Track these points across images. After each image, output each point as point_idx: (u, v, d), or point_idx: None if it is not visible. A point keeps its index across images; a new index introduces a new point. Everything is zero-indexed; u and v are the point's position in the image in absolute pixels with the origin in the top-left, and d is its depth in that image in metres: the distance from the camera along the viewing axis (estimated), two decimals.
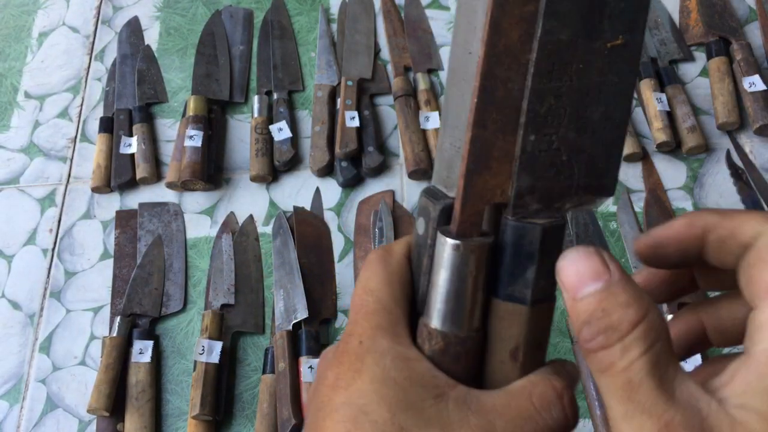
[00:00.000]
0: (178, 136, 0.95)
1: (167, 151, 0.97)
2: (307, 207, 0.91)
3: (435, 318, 0.30)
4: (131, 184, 0.94)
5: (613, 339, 0.24)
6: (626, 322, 0.24)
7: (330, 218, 0.90)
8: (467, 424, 0.26)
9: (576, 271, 0.25)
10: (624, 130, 0.28)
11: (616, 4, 0.26)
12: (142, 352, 0.80)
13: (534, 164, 0.28)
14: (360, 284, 0.31)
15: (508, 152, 0.28)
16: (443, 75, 1.00)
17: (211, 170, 0.93)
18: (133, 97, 1.00)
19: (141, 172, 0.93)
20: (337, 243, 0.88)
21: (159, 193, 0.94)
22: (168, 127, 0.99)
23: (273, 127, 0.95)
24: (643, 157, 0.90)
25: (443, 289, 0.29)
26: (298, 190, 0.93)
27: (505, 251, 0.29)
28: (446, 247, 0.29)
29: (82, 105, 1.03)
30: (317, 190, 0.92)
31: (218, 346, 0.79)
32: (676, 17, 1.02)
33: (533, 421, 0.27)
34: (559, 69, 0.26)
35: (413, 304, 0.31)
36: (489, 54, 0.27)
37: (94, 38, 1.10)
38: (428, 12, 1.06)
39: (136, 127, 0.97)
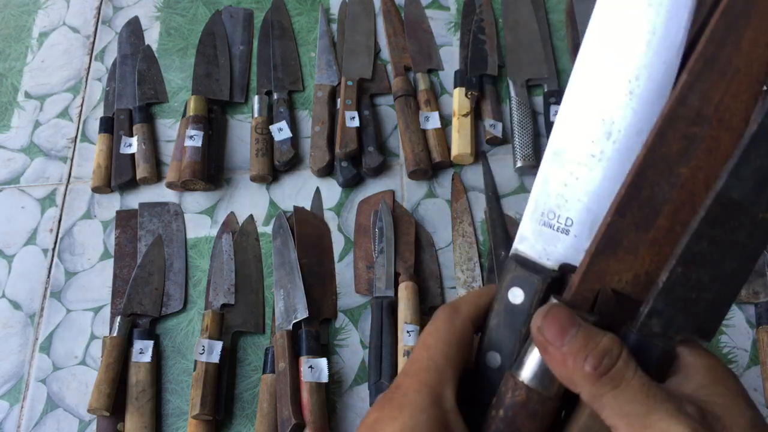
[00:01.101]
0: (179, 136, 0.96)
1: (167, 151, 0.97)
2: (307, 207, 0.91)
3: (526, 372, 0.32)
4: (131, 184, 0.94)
5: (614, 357, 0.29)
6: (615, 345, 0.29)
7: (330, 218, 0.90)
8: None
9: (556, 326, 0.30)
10: (739, 290, 0.31)
11: None
12: (142, 351, 0.80)
13: (671, 293, 0.30)
14: (421, 338, 0.34)
15: (637, 246, 0.31)
16: (443, 75, 1.00)
17: (211, 170, 0.93)
18: (133, 97, 1.00)
19: (141, 172, 0.93)
20: (337, 243, 0.88)
21: (159, 193, 0.94)
22: (168, 127, 0.99)
23: (273, 127, 0.95)
24: None
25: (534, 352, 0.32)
26: (298, 190, 0.93)
27: None
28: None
29: (82, 105, 1.03)
30: (317, 190, 0.92)
31: (218, 345, 0.79)
32: None
33: None
34: (721, 221, 0.30)
35: (475, 369, 0.34)
36: (648, 157, 0.30)
37: (95, 38, 1.10)
38: (428, 12, 1.06)
39: (136, 127, 0.97)
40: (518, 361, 0.32)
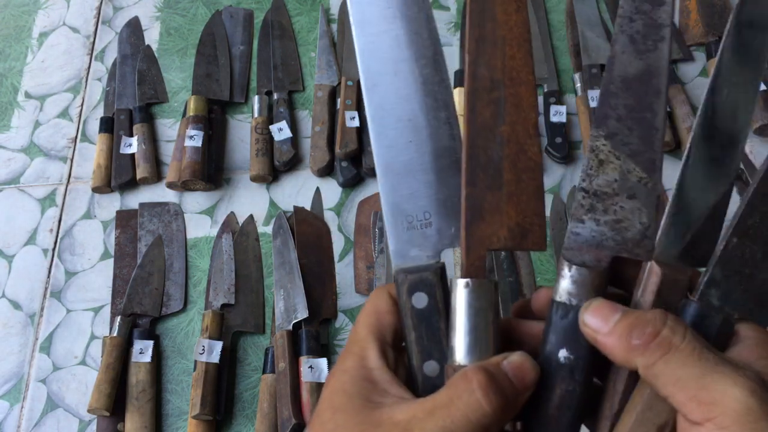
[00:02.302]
0: (179, 136, 0.95)
1: (167, 151, 0.97)
2: (307, 207, 0.91)
3: (458, 354, 0.33)
4: (131, 184, 0.94)
5: (659, 325, 0.30)
6: (658, 315, 0.30)
7: (330, 218, 0.90)
8: (390, 423, 0.31)
9: (599, 316, 0.31)
10: None
11: None
12: (142, 351, 0.80)
13: (728, 264, 0.32)
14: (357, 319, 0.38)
15: (498, 205, 0.35)
16: None
17: (211, 170, 0.93)
18: (133, 97, 1.00)
19: (141, 172, 0.93)
20: (337, 243, 0.88)
21: (159, 193, 0.94)
22: (168, 127, 0.99)
23: (273, 127, 0.95)
24: None
25: (460, 326, 0.33)
26: (298, 190, 0.93)
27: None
28: (459, 287, 0.34)
29: (82, 105, 1.03)
30: (317, 190, 0.92)
31: (218, 346, 0.79)
32: (676, 17, 1.02)
33: (446, 411, 0.31)
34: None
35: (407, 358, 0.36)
36: (471, 130, 0.35)
37: (95, 38, 1.10)
38: None
39: (136, 127, 0.97)
40: (449, 351, 0.34)
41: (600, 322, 0.31)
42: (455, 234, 0.37)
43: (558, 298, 0.33)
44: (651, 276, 0.33)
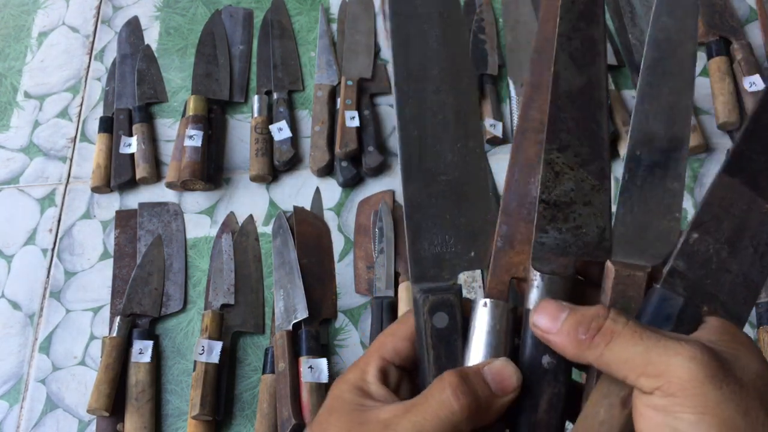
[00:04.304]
0: (178, 136, 0.95)
1: (167, 151, 0.97)
2: (307, 207, 0.91)
3: None
4: (131, 184, 0.94)
5: (602, 319, 0.32)
6: (601, 310, 0.32)
7: (330, 218, 0.90)
8: (375, 421, 0.33)
9: (547, 316, 0.33)
10: (763, 279, 0.34)
11: None
12: (142, 352, 0.79)
13: (689, 255, 0.34)
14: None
15: (528, 237, 0.36)
16: None
17: (211, 170, 0.93)
18: (133, 97, 1.00)
19: (141, 172, 0.93)
20: (337, 243, 0.88)
21: (159, 193, 0.94)
22: (168, 127, 0.99)
23: (273, 127, 0.95)
24: None
25: (476, 344, 0.35)
26: (298, 190, 0.93)
27: (644, 312, 0.34)
28: (478, 306, 0.35)
29: (81, 105, 1.03)
30: (317, 190, 0.92)
31: (218, 346, 0.79)
32: None
33: (420, 408, 0.33)
34: (724, 202, 0.34)
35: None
36: (513, 165, 0.38)
37: (94, 38, 1.10)
38: None
39: (135, 127, 0.97)
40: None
41: (549, 322, 0.33)
42: (474, 258, 0.38)
43: (532, 307, 0.35)
44: (607, 273, 0.35)
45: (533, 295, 0.35)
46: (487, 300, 0.35)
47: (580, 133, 0.36)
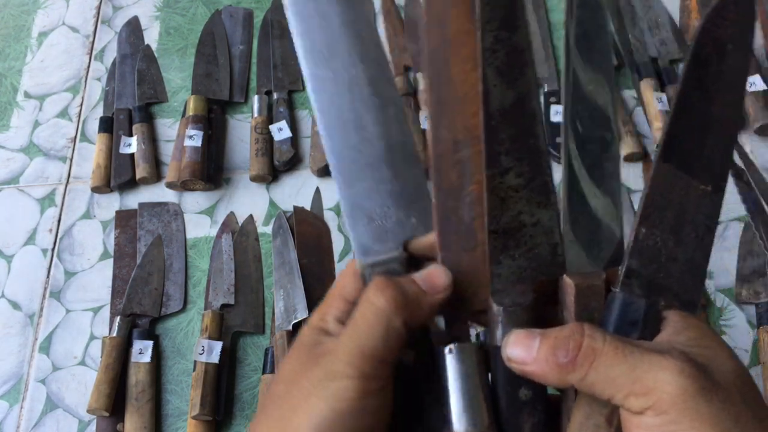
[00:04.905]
0: (178, 136, 0.95)
1: (167, 151, 0.97)
2: (307, 207, 0.91)
3: (455, 423, 0.34)
4: (131, 184, 0.94)
5: (578, 337, 0.31)
6: (575, 328, 0.31)
7: (330, 218, 0.90)
8: (326, 352, 0.34)
9: (520, 347, 0.32)
10: (705, 260, 0.34)
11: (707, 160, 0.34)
12: (142, 352, 0.79)
13: (641, 252, 0.34)
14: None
15: (475, 266, 0.35)
16: None
17: (211, 170, 0.93)
18: (133, 97, 1.00)
19: (141, 172, 0.93)
20: (337, 243, 0.88)
21: (159, 193, 0.94)
22: (168, 127, 0.99)
23: (273, 127, 0.95)
24: (643, 157, 0.90)
25: (453, 393, 0.34)
26: (298, 190, 0.92)
27: (609, 320, 0.33)
28: (444, 353, 0.34)
29: (81, 105, 1.03)
30: (317, 190, 0.92)
31: (218, 346, 0.79)
32: (676, 17, 1.02)
33: (354, 321, 0.34)
34: (664, 189, 0.34)
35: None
36: (440, 191, 0.35)
37: (94, 38, 1.10)
38: None
39: (135, 127, 0.97)
40: (447, 424, 0.34)
41: (523, 353, 0.32)
42: (416, 224, 0.38)
43: (499, 343, 0.34)
44: (566, 289, 0.34)
45: (498, 331, 0.34)
46: (452, 345, 0.34)
47: (519, 151, 0.34)
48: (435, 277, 0.35)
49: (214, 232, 0.90)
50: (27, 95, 1.05)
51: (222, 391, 0.77)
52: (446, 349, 0.34)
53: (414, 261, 0.37)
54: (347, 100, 0.38)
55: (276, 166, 0.93)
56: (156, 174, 0.94)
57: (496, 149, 0.34)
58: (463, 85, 0.35)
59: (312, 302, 0.81)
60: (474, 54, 0.34)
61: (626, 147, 0.89)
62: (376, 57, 0.39)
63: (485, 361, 0.35)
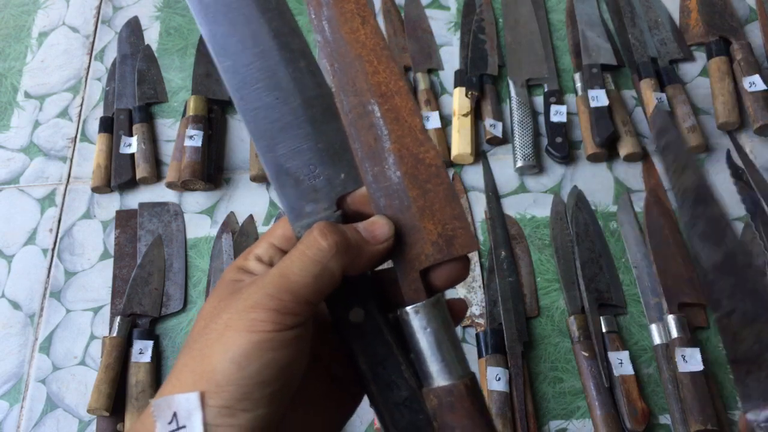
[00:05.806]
0: (178, 136, 0.95)
1: (167, 151, 0.97)
2: None
3: (435, 378, 0.34)
4: (131, 184, 0.94)
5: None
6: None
7: None
8: (243, 288, 0.34)
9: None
10: None
11: None
12: (142, 352, 0.79)
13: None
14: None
15: (413, 225, 0.35)
16: (443, 75, 1.00)
17: (211, 170, 0.93)
18: (133, 97, 1.00)
19: (141, 172, 0.93)
20: None
21: (159, 193, 0.94)
22: (168, 127, 0.99)
23: None
24: (643, 157, 0.90)
25: (426, 352, 0.34)
26: None
27: None
28: (410, 316, 0.34)
29: (82, 105, 1.03)
30: None
31: None
32: (676, 17, 1.02)
33: (288, 256, 0.34)
34: None
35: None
36: (361, 158, 0.36)
37: (94, 38, 1.10)
38: (428, 12, 1.06)
39: (136, 127, 0.97)
40: (426, 381, 0.35)
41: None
42: (346, 179, 0.36)
43: None
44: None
45: None
46: (407, 308, 0.35)
47: (739, 293, 0.35)
48: (378, 227, 0.35)
49: (214, 232, 0.90)
50: (27, 95, 1.05)
51: None
52: (402, 313, 0.35)
53: (348, 220, 0.36)
54: (252, 56, 0.36)
55: None
56: (156, 174, 0.94)
57: (717, 296, 0.35)
58: (356, 44, 0.35)
59: None
60: (359, 9, 0.35)
61: (626, 147, 0.89)
62: (278, 7, 0.37)
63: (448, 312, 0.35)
